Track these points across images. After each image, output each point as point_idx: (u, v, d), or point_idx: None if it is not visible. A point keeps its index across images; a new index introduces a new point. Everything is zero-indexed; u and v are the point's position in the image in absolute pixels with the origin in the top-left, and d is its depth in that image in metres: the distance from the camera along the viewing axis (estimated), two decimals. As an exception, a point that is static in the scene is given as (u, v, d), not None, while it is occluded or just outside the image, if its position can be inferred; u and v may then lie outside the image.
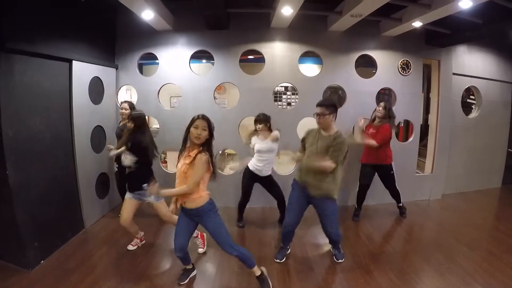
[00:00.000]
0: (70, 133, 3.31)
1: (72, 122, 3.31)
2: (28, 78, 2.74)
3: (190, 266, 2.64)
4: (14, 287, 2.42)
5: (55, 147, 3.10)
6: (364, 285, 2.62)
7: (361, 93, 4.20)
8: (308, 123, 4.29)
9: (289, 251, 3.11)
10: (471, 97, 5.28)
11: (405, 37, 4.21)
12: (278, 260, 2.94)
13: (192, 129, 2.15)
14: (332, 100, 2.75)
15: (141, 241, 3.18)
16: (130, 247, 3.10)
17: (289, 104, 6.73)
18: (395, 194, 3.99)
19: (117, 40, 4.18)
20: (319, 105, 2.65)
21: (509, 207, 4.73)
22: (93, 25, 3.67)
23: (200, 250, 3.10)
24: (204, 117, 2.18)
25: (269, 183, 3.56)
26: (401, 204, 4.07)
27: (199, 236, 3.13)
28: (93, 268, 2.74)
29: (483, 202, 4.81)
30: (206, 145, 2.20)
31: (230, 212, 4.02)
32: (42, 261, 2.79)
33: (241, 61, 4.19)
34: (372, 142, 3.62)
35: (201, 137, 2.14)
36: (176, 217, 2.84)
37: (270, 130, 3.46)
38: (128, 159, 2.79)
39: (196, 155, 2.14)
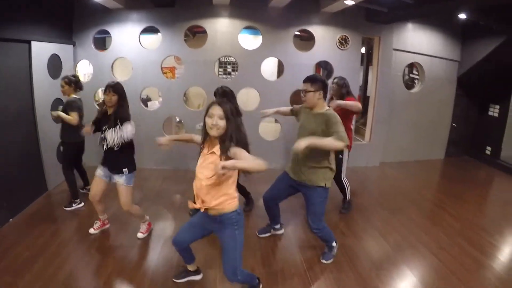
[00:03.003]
0: (31, 106, 3.67)
1: (33, 96, 3.66)
2: (-11, 60, 3.05)
3: (193, 268, 2.36)
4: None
5: (18, 119, 3.46)
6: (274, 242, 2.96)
7: (299, 66, 4.53)
8: (248, 92, 4.72)
9: (280, 231, 3.10)
10: (415, 72, 5.52)
11: (345, 14, 4.48)
12: (258, 234, 3.00)
13: (206, 118, 1.74)
14: (319, 76, 2.50)
15: (103, 225, 3.02)
16: (91, 231, 2.96)
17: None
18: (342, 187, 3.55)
19: (74, 18, 4.51)
20: (304, 81, 2.44)
21: (443, 178, 5.07)
22: (51, 5, 3.97)
23: (140, 235, 2.95)
24: (221, 104, 1.73)
25: None
26: (347, 199, 3.58)
27: (147, 223, 3.01)
28: (53, 223, 3.14)
29: (420, 171, 5.14)
30: (231, 139, 1.71)
31: (181, 174, 4.50)
32: (11, 219, 3.16)
33: (198, 32, 4.51)
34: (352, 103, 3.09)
35: (220, 127, 1.70)
36: (136, 208, 2.84)
37: None
38: (115, 138, 2.53)
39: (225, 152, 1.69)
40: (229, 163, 1.53)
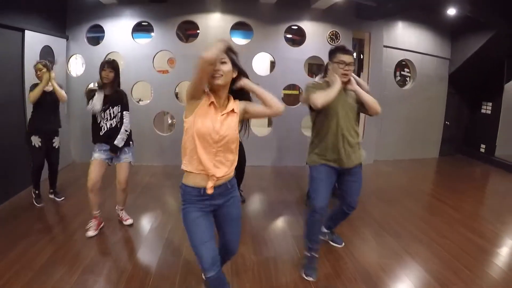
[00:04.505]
0: (22, 94, 3.62)
1: (24, 84, 3.62)
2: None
3: None
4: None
5: (9, 107, 3.41)
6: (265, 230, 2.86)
7: (289, 60, 4.57)
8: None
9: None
10: (406, 70, 5.57)
11: (335, 10, 4.57)
12: (311, 279, 2.17)
13: None
14: None
15: (99, 223, 2.71)
16: (90, 233, 2.60)
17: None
18: None
19: (68, 12, 4.54)
20: (346, 51, 1.99)
21: (439, 174, 5.04)
22: None
23: (129, 222, 2.86)
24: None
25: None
26: None
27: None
28: (37, 211, 3.09)
29: (415, 168, 5.09)
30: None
31: (170, 170, 4.40)
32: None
33: (191, 35, 4.55)
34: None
35: (225, 73, 1.38)
36: (128, 192, 2.76)
37: None
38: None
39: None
40: (247, 81, 1.50)
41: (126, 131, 2.62)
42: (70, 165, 4.60)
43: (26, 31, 3.61)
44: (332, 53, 2.07)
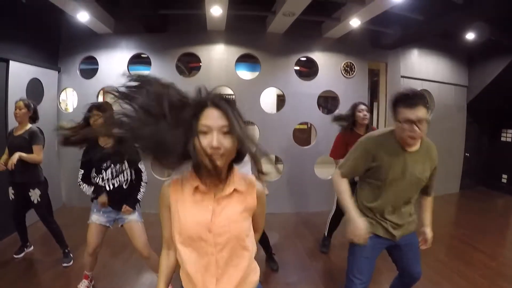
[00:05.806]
0: (5, 132, 3.20)
1: (7, 120, 3.29)
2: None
3: None
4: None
5: None
6: None
7: (301, 96, 4.18)
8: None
9: None
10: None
11: (349, 39, 4.22)
12: None
13: (199, 137, 0.89)
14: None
15: (91, 281, 2.41)
16: None
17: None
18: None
19: (61, 43, 4.21)
20: (412, 104, 1.43)
21: (466, 213, 4.66)
22: (34, 26, 3.72)
23: None
24: (219, 103, 0.91)
25: None
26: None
27: None
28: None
29: (437, 207, 4.59)
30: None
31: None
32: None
33: (193, 68, 4.20)
34: None
35: (227, 150, 0.90)
36: (156, 257, 2.24)
37: None
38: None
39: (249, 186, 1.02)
40: None
41: (145, 183, 2.23)
42: (60, 209, 4.19)
43: (10, 61, 3.31)
44: (394, 107, 1.54)
